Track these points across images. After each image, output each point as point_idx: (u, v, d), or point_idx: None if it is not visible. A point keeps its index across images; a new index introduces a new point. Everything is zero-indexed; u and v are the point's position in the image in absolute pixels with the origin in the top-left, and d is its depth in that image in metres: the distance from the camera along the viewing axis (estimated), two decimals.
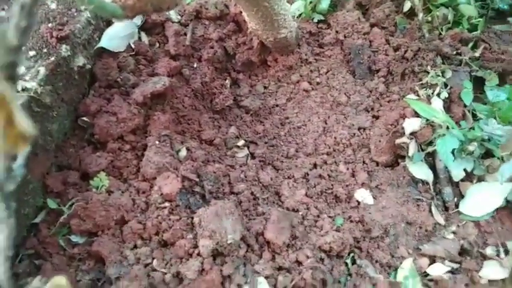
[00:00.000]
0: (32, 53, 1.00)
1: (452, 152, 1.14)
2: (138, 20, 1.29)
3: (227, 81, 1.36)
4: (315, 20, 1.54)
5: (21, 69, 0.96)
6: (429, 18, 1.46)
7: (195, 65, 1.33)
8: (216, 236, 0.90)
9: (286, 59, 1.41)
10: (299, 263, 0.96)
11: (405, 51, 1.43)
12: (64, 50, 1.03)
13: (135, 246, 0.93)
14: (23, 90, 0.91)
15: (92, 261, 0.91)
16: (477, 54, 1.38)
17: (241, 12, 1.39)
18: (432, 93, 1.30)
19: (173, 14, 1.36)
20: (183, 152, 1.07)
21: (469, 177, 1.19)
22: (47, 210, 0.96)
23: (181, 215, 0.95)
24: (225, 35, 1.40)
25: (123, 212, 0.95)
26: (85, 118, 1.07)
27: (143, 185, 1.00)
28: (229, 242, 0.90)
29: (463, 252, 1.09)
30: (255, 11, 1.15)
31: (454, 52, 1.39)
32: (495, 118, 1.20)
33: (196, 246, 0.91)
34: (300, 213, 1.06)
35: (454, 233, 1.12)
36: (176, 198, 0.96)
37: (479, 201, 1.14)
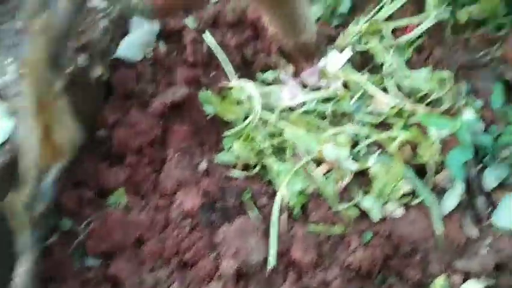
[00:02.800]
0: None
1: (464, 163, 1.04)
2: (155, 29, 1.20)
3: None
4: (334, 24, 1.44)
5: None
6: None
7: (213, 74, 1.24)
8: (240, 255, 0.81)
9: (307, 64, 1.31)
10: (327, 283, 0.86)
11: (429, 54, 1.33)
12: (82, 60, 0.95)
13: (154, 268, 0.84)
14: None
15: (108, 286, 0.83)
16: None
17: (259, 17, 1.30)
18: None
19: (190, 21, 1.28)
20: (203, 165, 0.98)
21: (502, 185, 1.07)
22: (61, 231, 0.87)
23: (203, 233, 0.86)
24: (243, 41, 1.31)
25: (142, 231, 0.87)
26: (102, 131, 0.99)
27: (163, 202, 0.91)
28: (253, 262, 0.81)
29: (499, 267, 0.97)
30: (278, 14, 1.06)
31: (481, 53, 1.28)
32: None
33: (218, 267, 0.82)
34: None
35: (488, 246, 1.01)
36: (198, 214, 0.87)
37: None
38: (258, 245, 0.84)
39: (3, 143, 0.77)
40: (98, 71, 1.00)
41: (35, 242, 0.33)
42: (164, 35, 1.23)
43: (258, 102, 1.14)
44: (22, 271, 0.35)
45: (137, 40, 1.12)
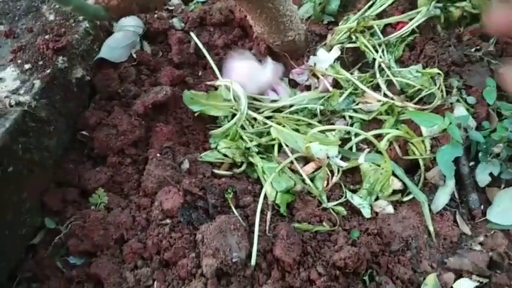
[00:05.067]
0: (27, 66, 0.96)
1: (456, 159, 1.06)
2: (140, 29, 1.24)
3: None
4: (325, 22, 1.48)
5: (16, 83, 0.92)
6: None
7: (200, 73, 1.28)
8: (219, 254, 0.83)
9: (296, 63, 1.34)
10: (311, 281, 0.88)
11: (421, 51, 1.36)
12: (61, 61, 0.99)
13: (135, 267, 0.87)
14: (16, 104, 0.87)
15: (91, 284, 0.85)
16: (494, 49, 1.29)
17: (246, 16, 1.33)
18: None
19: (176, 22, 1.32)
20: (186, 165, 1.01)
21: (496, 182, 1.09)
22: (45, 231, 0.91)
23: (183, 232, 0.89)
24: (231, 41, 1.34)
25: (123, 230, 0.90)
26: (84, 132, 1.02)
27: (144, 201, 0.94)
28: (234, 260, 0.84)
29: (492, 265, 0.99)
30: (259, 13, 1.09)
31: (473, 49, 1.30)
32: None
33: (199, 266, 0.85)
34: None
35: (481, 244, 1.03)
36: (178, 214, 0.90)
37: (509, 208, 1.04)
38: (240, 243, 0.86)
39: None
40: (78, 73, 1.04)
41: None
42: (149, 35, 1.27)
43: (245, 102, 1.17)
44: None
45: (121, 41, 1.16)
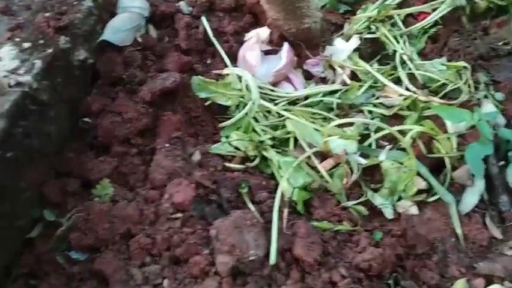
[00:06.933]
0: (26, 44, 0.95)
1: (485, 159, 1.07)
2: (145, 12, 1.24)
3: None
4: (341, 11, 1.49)
5: (15, 63, 0.91)
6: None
7: (209, 61, 1.28)
8: (236, 251, 0.83)
9: (311, 53, 1.35)
10: (333, 283, 0.88)
11: (445, 44, 1.37)
12: (63, 41, 0.99)
13: (143, 264, 0.86)
14: (16, 85, 0.86)
15: (94, 281, 0.85)
16: None
17: (258, 2, 1.34)
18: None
19: (183, 5, 1.32)
20: (196, 156, 1.01)
21: None
22: (44, 223, 0.90)
23: (196, 227, 0.88)
24: (241, 28, 1.35)
25: (129, 225, 0.89)
26: (86, 119, 1.02)
27: (152, 194, 0.94)
28: (251, 258, 0.83)
29: None
30: None
31: (501, 42, 1.32)
32: None
33: (213, 264, 0.85)
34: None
35: None
36: (190, 207, 0.90)
37: None
38: (257, 240, 0.86)
39: None
40: (81, 55, 1.04)
41: None
42: (155, 19, 1.27)
43: (256, 92, 1.17)
44: None
45: (126, 23, 1.16)
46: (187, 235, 0.87)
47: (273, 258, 0.87)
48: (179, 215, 0.89)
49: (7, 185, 0.83)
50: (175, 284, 0.83)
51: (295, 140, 1.13)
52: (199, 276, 0.84)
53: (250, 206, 0.95)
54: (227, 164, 1.05)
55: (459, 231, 1.03)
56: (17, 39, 0.96)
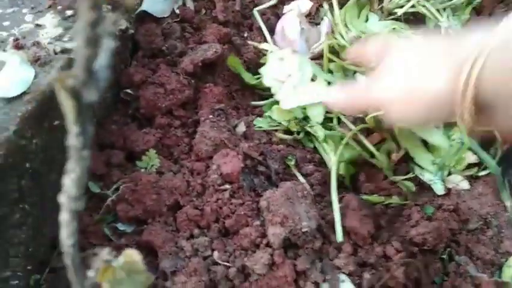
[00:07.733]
0: (69, 12, 0.93)
1: None
2: None
3: None
4: None
5: (58, 30, 0.89)
6: None
7: (246, 34, 1.25)
8: (288, 222, 0.80)
9: None
10: (387, 257, 0.86)
11: (490, 15, 1.32)
12: (105, 9, 0.96)
13: (191, 236, 0.84)
14: (61, 52, 0.84)
15: (142, 253, 0.82)
16: None
17: None
18: None
19: None
20: (241, 127, 0.99)
21: None
22: (89, 196, 0.88)
23: (245, 199, 0.86)
24: (279, 0, 1.31)
25: (177, 196, 0.87)
26: (128, 90, 1.00)
27: (198, 165, 0.91)
28: (304, 230, 0.81)
29: None
30: None
31: None
32: None
33: (264, 235, 0.82)
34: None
35: None
36: (239, 178, 0.87)
37: None
38: (309, 212, 0.83)
39: (25, 93, 0.78)
40: (122, 24, 1.01)
41: (87, 143, 0.32)
42: None
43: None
44: (71, 178, 0.35)
45: None
46: (236, 206, 0.85)
47: (339, 236, 0.84)
48: (227, 186, 0.87)
49: (55, 154, 0.82)
50: (225, 256, 0.81)
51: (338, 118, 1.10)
52: (250, 248, 0.82)
53: (300, 177, 0.93)
54: (277, 134, 1.03)
55: (508, 204, 1.00)
56: (59, 7, 0.94)
